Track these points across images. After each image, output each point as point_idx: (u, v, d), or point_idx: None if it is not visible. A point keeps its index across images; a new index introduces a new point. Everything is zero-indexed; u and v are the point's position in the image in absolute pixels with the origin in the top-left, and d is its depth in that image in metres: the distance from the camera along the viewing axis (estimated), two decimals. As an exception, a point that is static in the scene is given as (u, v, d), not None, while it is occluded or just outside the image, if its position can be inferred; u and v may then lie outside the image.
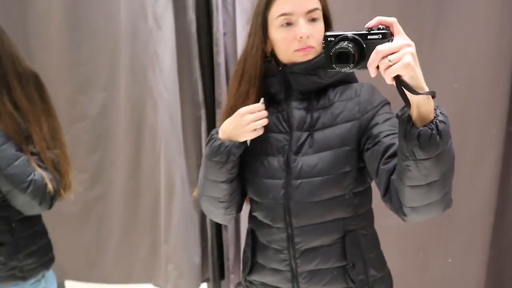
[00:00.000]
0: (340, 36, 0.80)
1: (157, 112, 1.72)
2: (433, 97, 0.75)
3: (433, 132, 0.74)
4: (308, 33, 0.94)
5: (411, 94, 0.73)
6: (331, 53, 0.80)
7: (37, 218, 1.29)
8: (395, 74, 0.72)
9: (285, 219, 0.99)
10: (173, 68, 1.67)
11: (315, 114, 0.99)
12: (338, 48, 0.79)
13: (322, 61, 0.85)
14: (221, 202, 1.03)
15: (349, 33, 0.80)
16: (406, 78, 0.72)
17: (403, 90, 0.73)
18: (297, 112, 1.00)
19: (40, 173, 1.16)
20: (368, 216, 1.06)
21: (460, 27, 1.48)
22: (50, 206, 1.20)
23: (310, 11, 0.95)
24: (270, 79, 1.00)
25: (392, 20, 0.77)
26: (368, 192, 1.04)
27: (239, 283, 1.20)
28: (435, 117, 0.75)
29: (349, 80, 1.03)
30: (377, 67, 0.74)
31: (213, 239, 1.77)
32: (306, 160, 0.97)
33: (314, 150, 0.97)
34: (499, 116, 1.49)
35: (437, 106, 0.77)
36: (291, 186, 0.97)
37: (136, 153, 1.80)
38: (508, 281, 1.57)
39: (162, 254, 1.82)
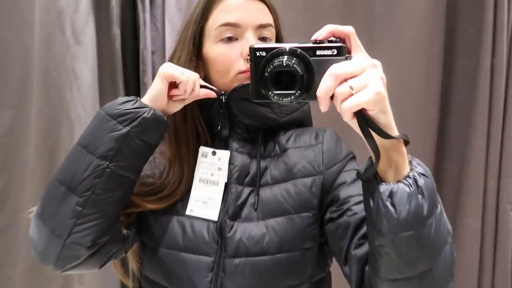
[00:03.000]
0: (276, 50, 0.55)
1: (73, 135, 1.54)
2: (406, 143, 0.54)
3: (411, 189, 0.52)
4: None
5: (379, 137, 0.52)
6: (265, 74, 0.54)
7: None
8: (358, 108, 0.50)
9: None
10: (93, 87, 1.51)
11: (262, 164, 0.74)
12: (277, 66, 0.54)
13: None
14: (78, 207, 0.65)
15: (289, 46, 0.55)
16: (373, 113, 0.51)
17: (370, 132, 0.51)
18: (239, 156, 0.74)
19: None
20: None
21: (393, 45, 1.50)
22: None
23: (262, 26, 0.74)
24: (205, 107, 0.76)
25: (349, 30, 0.57)
26: (328, 281, 0.78)
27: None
28: (411, 169, 0.54)
29: (304, 122, 0.80)
30: (331, 96, 0.52)
31: (134, 278, 1.60)
32: (249, 229, 0.70)
33: (260, 215, 0.70)
34: (428, 145, 1.52)
35: (412, 157, 0.56)
36: (224, 269, 0.68)
37: (47, 180, 1.59)
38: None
39: (75, 296, 1.61)
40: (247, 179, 0.73)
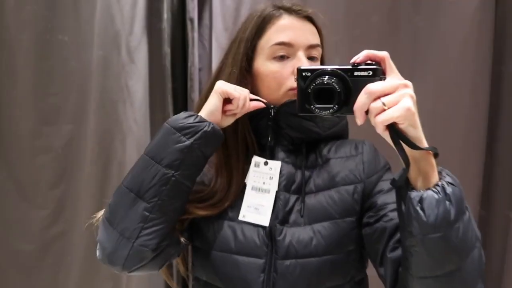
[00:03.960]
0: (320, 70, 0.63)
1: (125, 147, 1.64)
2: (436, 155, 0.59)
3: (440, 196, 0.57)
4: None
5: (410, 148, 0.57)
6: (309, 90, 0.62)
7: None
8: (390, 122, 0.56)
9: None
10: (145, 102, 1.60)
11: (307, 173, 0.78)
12: (319, 84, 0.62)
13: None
14: (146, 213, 0.70)
15: (330, 67, 0.63)
16: (403, 126, 0.57)
17: (400, 143, 0.57)
18: (285, 166, 0.78)
19: None
20: None
21: (436, 64, 1.48)
22: None
23: (312, 46, 0.79)
24: (254, 119, 0.80)
25: (383, 54, 0.63)
26: (366, 281, 0.82)
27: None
28: (440, 179, 0.59)
29: (342, 135, 0.85)
30: (366, 111, 0.58)
31: (178, 285, 1.65)
32: (297, 233, 0.74)
33: (306, 221, 0.74)
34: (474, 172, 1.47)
35: (442, 168, 0.62)
36: (276, 270, 0.72)
37: (102, 189, 1.69)
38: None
39: (123, 300, 1.68)
40: (293, 187, 0.77)
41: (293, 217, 0.75)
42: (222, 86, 0.74)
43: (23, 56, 1.67)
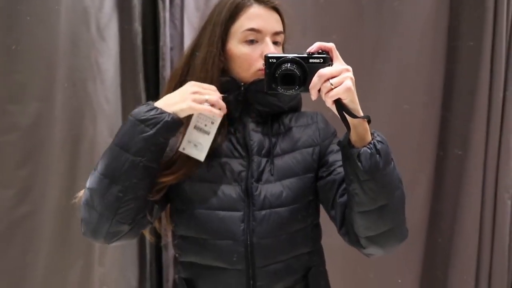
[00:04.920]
0: (283, 58, 0.80)
1: (96, 125, 1.64)
2: (369, 121, 0.78)
3: (372, 151, 0.76)
4: None
5: (350, 117, 0.76)
6: (276, 75, 0.80)
7: None
8: (336, 98, 0.75)
9: (246, 259, 0.87)
10: (115, 80, 1.61)
11: (273, 139, 0.93)
12: (284, 70, 0.79)
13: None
14: (120, 194, 0.80)
15: (291, 56, 0.81)
16: (346, 101, 0.75)
17: (343, 113, 0.77)
18: (255, 135, 0.92)
19: None
20: (323, 252, 1.01)
21: (397, 57, 1.58)
22: None
23: (277, 33, 0.92)
24: (224, 96, 0.90)
25: (331, 45, 0.80)
26: (319, 225, 0.99)
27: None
28: (372, 138, 0.78)
29: (298, 107, 1.01)
30: (319, 90, 0.77)
31: (152, 259, 1.69)
32: (270, 188, 0.88)
33: (276, 178, 0.89)
34: (432, 138, 1.59)
35: (374, 130, 0.80)
36: (255, 219, 0.87)
37: (71, 168, 1.69)
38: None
39: (95, 277, 1.70)
40: (263, 152, 0.92)
41: (265, 176, 0.90)
42: (193, 107, 0.83)
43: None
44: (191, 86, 0.86)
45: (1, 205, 1.66)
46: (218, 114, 0.85)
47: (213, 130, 0.88)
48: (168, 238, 1.02)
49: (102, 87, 1.61)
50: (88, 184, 0.85)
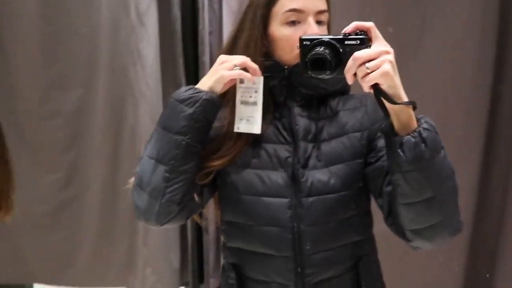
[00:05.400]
0: (316, 41, 0.76)
1: (137, 111, 1.66)
2: (415, 107, 0.73)
3: (416, 139, 0.70)
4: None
5: (389, 103, 0.71)
6: (306, 59, 0.76)
7: None
8: (373, 83, 0.70)
9: (294, 246, 0.86)
10: (156, 66, 1.61)
11: (320, 124, 0.89)
12: (314, 54, 0.75)
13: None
14: (166, 174, 0.82)
15: (326, 38, 0.76)
16: (384, 86, 0.70)
17: (381, 99, 0.72)
18: (301, 119, 0.89)
19: None
20: (374, 240, 0.97)
21: (444, 35, 1.51)
22: None
23: (320, 12, 0.87)
24: (269, 78, 0.88)
25: (369, 25, 0.74)
26: (370, 212, 0.95)
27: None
28: (418, 125, 0.72)
29: (346, 90, 0.95)
30: (355, 74, 0.71)
31: (193, 243, 1.73)
32: (317, 175, 0.86)
33: (323, 164, 0.87)
34: (480, 120, 1.53)
35: (422, 116, 0.74)
36: (302, 206, 0.85)
37: (114, 153, 1.73)
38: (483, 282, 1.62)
39: (139, 258, 1.76)
40: (309, 137, 0.88)
41: (312, 162, 0.87)
42: (224, 74, 0.83)
43: (27, 20, 1.65)
44: (219, 58, 0.86)
45: (50, 188, 1.74)
46: (249, 77, 0.84)
47: (259, 98, 0.86)
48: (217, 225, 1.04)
49: (143, 72, 1.62)
50: (137, 168, 0.86)
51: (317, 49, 0.75)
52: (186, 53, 1.64)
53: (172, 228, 1.73)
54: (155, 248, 1.71)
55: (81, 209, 1.80)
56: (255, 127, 0.86)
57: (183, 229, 1.77)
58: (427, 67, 1.53)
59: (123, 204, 1.76)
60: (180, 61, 1.63)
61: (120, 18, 1.60)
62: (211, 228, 1.70)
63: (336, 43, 0.75)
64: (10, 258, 1.81)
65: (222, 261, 0.99)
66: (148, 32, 1.60)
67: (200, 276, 1.78)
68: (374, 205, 0.94)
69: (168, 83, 1.67)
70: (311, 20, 0.85)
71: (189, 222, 1.72)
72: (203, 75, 1.56)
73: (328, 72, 0.75)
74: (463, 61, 1.50)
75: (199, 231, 1.74)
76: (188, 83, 1.65)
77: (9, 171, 1.14)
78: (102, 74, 1.68)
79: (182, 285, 1.83)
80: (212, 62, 1.63)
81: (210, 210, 1.23)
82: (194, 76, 1.65)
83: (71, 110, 1.74)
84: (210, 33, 1.60)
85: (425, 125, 0.72)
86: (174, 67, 1.65)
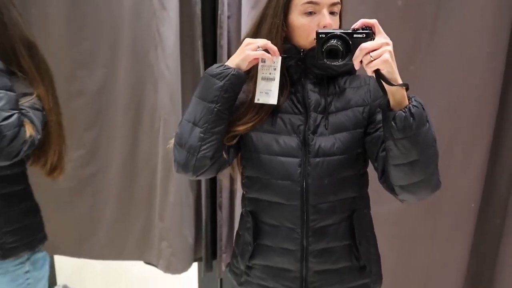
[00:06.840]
0: (330, 34, 0.93)
1: (157, 91, 1.73)
2: (407, 88, 0.89)
3: (406, 114, 0.87)
4: (331, 24, 1.00)
5: (387, 85, 0.87)
6: (323, 49, 0.93)
7: (26, 195, 1.28)
8: (375, 68, 0.86)
9: (301, 197, 1.03)
10: (176, 48, 1.67)
11: (328, 99, 1.05)
12: (329, 45, 0.92)
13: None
14: (201, 134, 0.99)
15: (338, 32, 0.93)
16: (384, 71, 0.87)
17: (381, 81, 0.88)
18: (313, 94, 1.05)
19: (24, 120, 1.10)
20: (368, 198, 1.14)
21: (458, 25, 1.53)
22: (17, 154, 1.09)
23: (333, 4, 1.01)
24: (287, 59, 1.05)
25: (373, 21, 0.90)
26: (367, 174, 1.12)
27: (230, 263, 1.23)
28: (409, 103, 0.89)
29: (352, 71, 1.11)
30: (361, 61, 0.88)
31: (207, 219, 1.80)
32: (323, 140, 1.03)
33: (330, 132, 1.03)
34: (490, 110, 1.56)
35: (413, 96, 0.90)
36: (310, 164, 1.02)
37: (134, 131, 1.81)
38: (488, 265, 1.66)
39: (156, 232, 1.84)
40: (319, 109, 1.05)
41: (320, 129, 1.04)
42: (251, 54, 1.00)
43: (55, 2, 1.73)
44: (245, 41, 1.01)
45: (73, 164, 1.82)
46: (269, 57, 1.00)
47: (277, 75, 1.03)
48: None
49: (163, 55, 1.68)
50: (177, 130, 1.04)
51: (332, 41, 0.92)
52: (205, 36, 1.69)
53: (187, 206, 1.81)
54: (171, 223, 1.79)
55: (101, 184, 1.88)
56: (272, 99, 1.03)
57: (197, 206, 1.85)
58: (440, 56, 1.55)
59: (141, 180, 1.84)
60: (199, 44, 1.68)
61: (142, 2, 1.66)
62: (224, 206, 1.77)
63: (346, 36, 0.91)
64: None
65: (242, 209, 1.16)
66: (169, 16, 1.65)
67: (213, 252, 1.85)
68: (375, 188, 1.06)
69: (187, 65, 1.73)
70: (325, 11, 1.00)
71: (203, 200, 1.79)
72: (221, 58, 1.65)
73: (340, 60, 0.92)
74: (476, 45, 1.52)
75: (213, 209, 1.81)
76: (206, 66, 1.70)
77: (63, 134, 1.26)
78: (124, 56, 1.74)
79: (195, 260, 1.91)
80: (229, 45, 1.69)
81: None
82: (212, 58, 1.70)
83: (94, 89, 1.81)
84: (228, 17, 1.65)
85: (414, 103, 0.89)
86: (193, 50, 1.71)
